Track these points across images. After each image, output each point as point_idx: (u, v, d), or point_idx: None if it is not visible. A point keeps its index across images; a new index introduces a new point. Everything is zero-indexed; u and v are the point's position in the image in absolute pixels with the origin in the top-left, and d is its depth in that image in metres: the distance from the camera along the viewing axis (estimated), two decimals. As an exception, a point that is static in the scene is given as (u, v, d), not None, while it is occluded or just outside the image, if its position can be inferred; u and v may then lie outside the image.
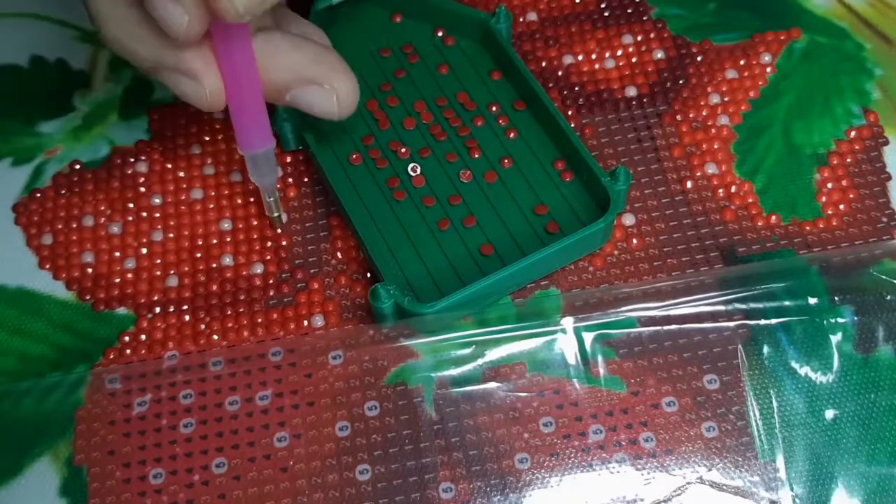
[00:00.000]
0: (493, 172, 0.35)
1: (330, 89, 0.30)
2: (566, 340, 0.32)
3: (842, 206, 0.34)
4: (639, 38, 0.38)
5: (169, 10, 0.26)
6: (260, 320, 0.33)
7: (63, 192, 0.37)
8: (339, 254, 0.35)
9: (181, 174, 0.37)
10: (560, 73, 0.38)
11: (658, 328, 0.32)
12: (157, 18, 0.26)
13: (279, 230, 0.35)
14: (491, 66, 0.37)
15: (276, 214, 0.34)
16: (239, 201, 0.36)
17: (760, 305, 0.32)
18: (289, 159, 0.36)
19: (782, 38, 0.38)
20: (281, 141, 0.35)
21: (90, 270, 0.35)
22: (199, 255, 0.35)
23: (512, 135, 0.35)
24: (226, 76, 0.29)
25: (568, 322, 0.32)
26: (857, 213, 0.34)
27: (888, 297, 0.32)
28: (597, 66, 0.38)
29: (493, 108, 0.36)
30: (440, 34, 0.38)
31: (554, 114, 0.34)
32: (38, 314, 0.34)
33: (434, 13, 0.38)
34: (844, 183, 0.35)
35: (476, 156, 0.35)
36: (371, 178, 0.35)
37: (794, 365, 0.31)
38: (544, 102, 0.34)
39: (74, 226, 0.36)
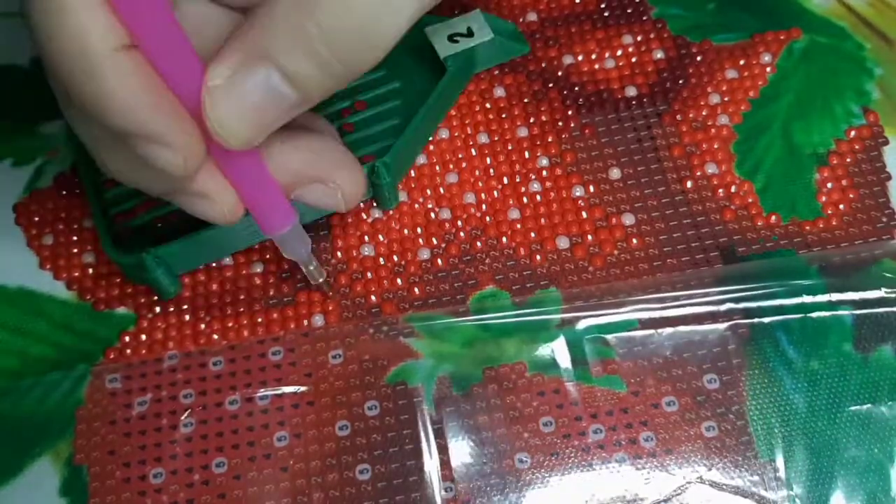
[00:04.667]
0: None
1: (334, 187, 0.29)
2: (566, 340, 0.32)
3: (842, 206, 0.34)
4: (639, 38, 0.38)
5: (160, 156, 0.24)
6: (260, 320, 0.33)
7: (64, 192, 0.37)
8: (339, 253, 0.35)
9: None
10: (560, 73, 0.38)
11: (658, 328, 0.32)
12: (151, 165, 0.24)
13: (329, 293, 0.34)
14: None
15: (320, 280, 0.33)
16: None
17: (760, 305, 0.32)
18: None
19: (782, 38, 0.38)
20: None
21: (90, 270, 0.35)
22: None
23: None
24: (238, 187, 0.27)
25: (568, 322, 0.32)
26: (857, 212, 0.34)
27: (887, 297, 0.32)
28: (597, 66, 0.38)
29: None
30: None
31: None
32: (38, 314, 0.34)
33: None
34: (844, 183, 0.35)
35: None
36: None
37: (794, 364, 0.31)
38: None
39: (75, 226, 0.36)
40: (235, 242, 0.34)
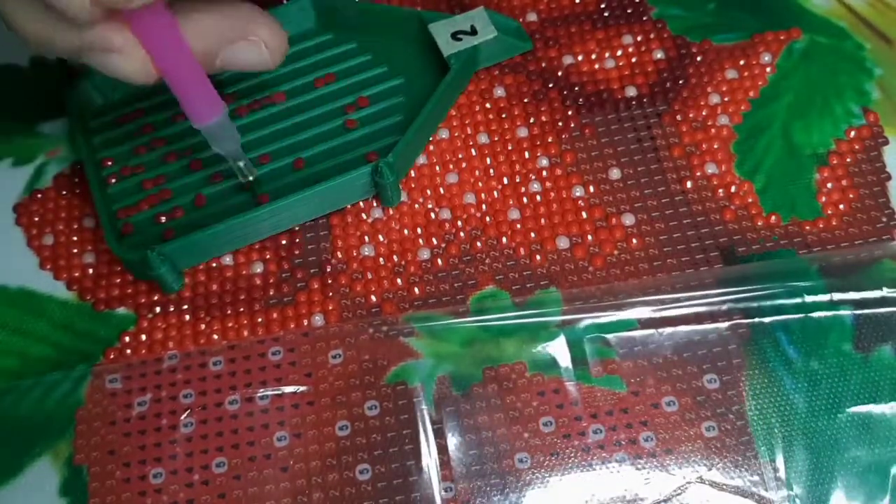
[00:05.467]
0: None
1: (256, 40, 0.29)
2: (566, 340, 0.32)
3: (842, 206, 0.34)
4: (639, 39, 0.38)
5: None
6: (260, 320, 0.33)
7: (64, 192, 0.37)
8: (339, 253, 0.35)
9: (181, 174, 0.37)
10: (560, 74, 0.38)
11: (658, 328, 0.32)
12: (54, 6, 0.25)
13: (257, 192, 0.34)
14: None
15: (250, 179, 0.33)
16: (239, 201, 0.36)
17: (760, 305, 0.32)
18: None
19: (782, 38, 0.38)
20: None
21: (90, 270, 0.35)
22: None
23: None
24: (151, 50, 0.28)
25: (568, 322, 0.32)
26: (856, 213, 0.34)
27: (888, 297, 0.32)
28: (597, 67, 0.38)
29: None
30: None
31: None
32: (38, 314, 0.34)
33: None
34: (844, 183, 0.35)
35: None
36: None
37: (794, 364, 0.31)
38: None
39: (75, 226, 0.36)
40: (239, 239, 0.34)
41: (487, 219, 0.35)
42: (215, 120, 0.30)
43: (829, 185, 0.35)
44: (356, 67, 0.38)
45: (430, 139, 0.36)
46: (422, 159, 0.36)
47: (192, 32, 0.28)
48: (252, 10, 0.30)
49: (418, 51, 0.38)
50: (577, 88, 0.38)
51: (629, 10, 0.39)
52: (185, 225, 0.34)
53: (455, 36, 0.36)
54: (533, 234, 0.34)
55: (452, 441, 0.30)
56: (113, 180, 0.36)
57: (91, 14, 0.26)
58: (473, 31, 0.37)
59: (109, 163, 0.36)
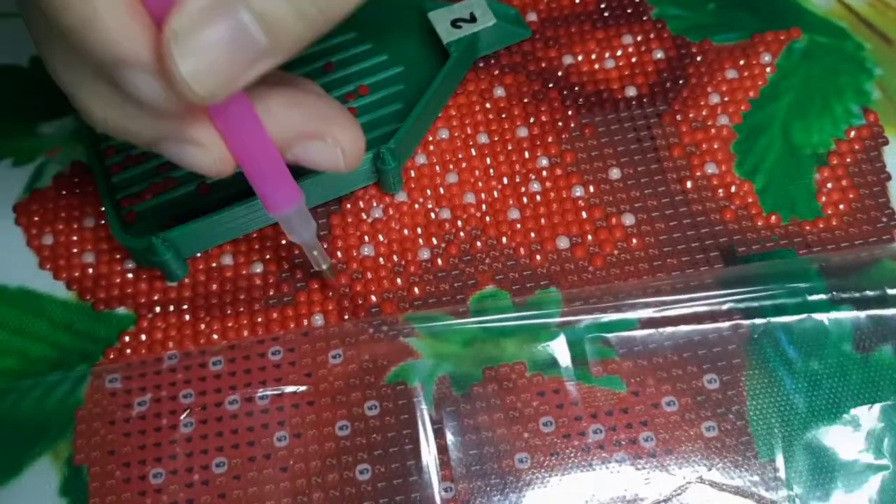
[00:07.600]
0: None
1: (333, 142, 0.28)
2: (566, 340, 0.32)
3: (842, 206, 0.34)
4: (639, 39, 0.38)
5: (139, 83, 0.23)
6: (260, 319, 0.33)
7: (64, 192, 0.37)
8: (339, 253, 0.35)
9: (181, 174, 0.37)
10: (560, 74, 0.38)
11: (658, 328, 0.32)
12: (130, 94, 0.23)
13: (332, 278, 0.33)
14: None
15: (324, 267, 0.32)
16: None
17: (760, 305, 0.32)
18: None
19: (782, 38, 0.38)
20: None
21: (90, 270, 0.35)
22: (198, 254, 0.35)
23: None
24: (229, 142, 0.26)
25: (567, 322, 0.32)
26: (856, 213, 0.34)
27: (888, 297, 0.32)
28: (596, 67, 0.38)
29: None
30: None
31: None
32: (38, 314, 0.34)
33: None
34: (844, 183, 0.35)
35: None
36: None
37: (794, 364, 0.31)
38: None
39: (75, 226, 0.36)
40: (242, 226, 0.34)
41: (487, 219, 0.35)
42: (293, 208, 0.29)
43: (829, 185, 0.35)
44: (356, 56, 0.38)
45: (431, 130, 0.37)
46: (422, 159, 0.36)
47: (271, 123, 0.27)
48: (333, 109, 0.28)
49: (418, 39, 0.38)
50: (577, 88, 0.38)
51: (629, 10, 0.39)
52: (190, 213, 0.34)
53: (455, 23, 0.37)
54: (533, 234, 0.34)
55: (452, 441, 0.30)
56: (117, 169, 0.36)
57: (177, 106, 0.24)
58: (473, 19, 0.37)
59: (113, 152, 0.36)
